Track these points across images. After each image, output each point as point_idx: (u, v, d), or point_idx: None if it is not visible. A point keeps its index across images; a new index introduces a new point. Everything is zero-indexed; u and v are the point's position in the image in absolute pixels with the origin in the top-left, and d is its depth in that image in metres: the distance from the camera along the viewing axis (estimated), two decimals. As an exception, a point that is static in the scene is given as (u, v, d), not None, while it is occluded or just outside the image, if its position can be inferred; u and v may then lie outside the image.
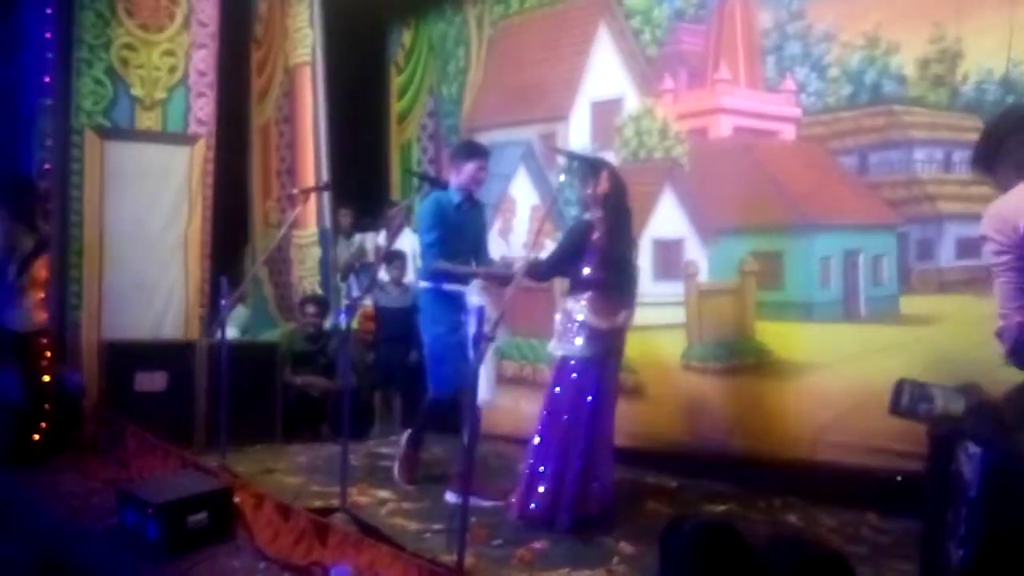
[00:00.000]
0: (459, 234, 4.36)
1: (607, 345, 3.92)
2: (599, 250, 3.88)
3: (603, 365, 3.92)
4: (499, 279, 4.27)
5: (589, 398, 3.87)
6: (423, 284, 4.44)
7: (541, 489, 3.87)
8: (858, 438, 4.09)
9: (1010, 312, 2.14)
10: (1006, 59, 3.74)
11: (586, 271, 3.90)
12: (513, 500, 4.03)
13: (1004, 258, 2.18)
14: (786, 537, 1.88)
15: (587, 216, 3.98)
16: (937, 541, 1.90)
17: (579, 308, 3.88)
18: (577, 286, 3.94)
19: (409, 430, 4.74)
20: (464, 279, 4.29)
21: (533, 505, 3.89)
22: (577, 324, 3.88)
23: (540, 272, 4.09)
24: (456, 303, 4.29)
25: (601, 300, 3.88)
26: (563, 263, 4.00)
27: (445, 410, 4.46)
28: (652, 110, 5.14)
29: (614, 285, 3.92)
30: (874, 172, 4.26)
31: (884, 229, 4.22)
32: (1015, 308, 2.14)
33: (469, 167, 4.39)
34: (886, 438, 3.93)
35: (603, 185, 3.89)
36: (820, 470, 4.26)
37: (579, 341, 3.88)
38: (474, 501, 3.63)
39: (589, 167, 3.99)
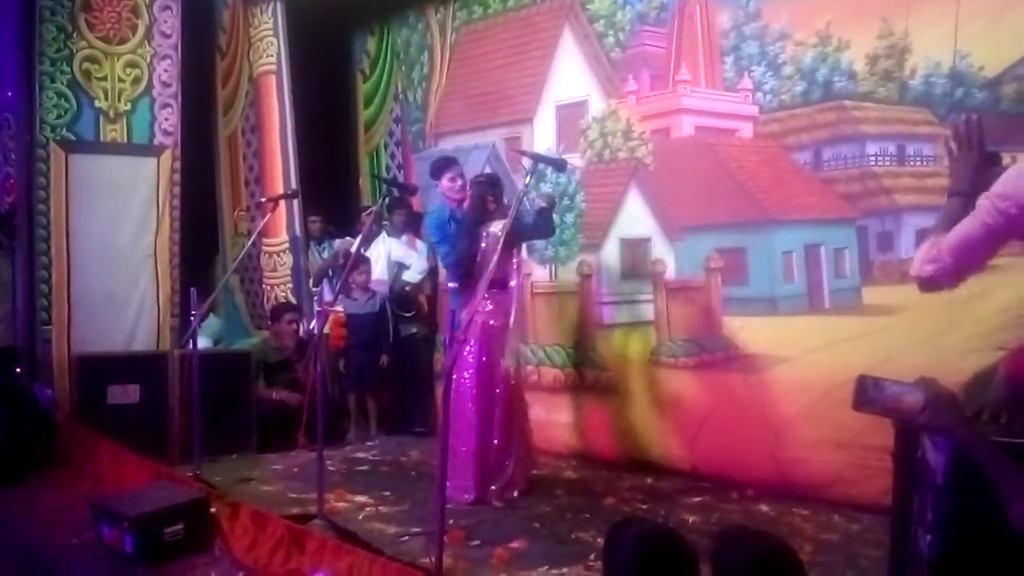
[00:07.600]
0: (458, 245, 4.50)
1: None
2: None
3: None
4: None
5: None
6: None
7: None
8: (825, 430, 4.17)
9: (943, 251, 1.98)
10: (953, 52, 3.82)
11: None
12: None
13: (1003, 204, 1.92)
14: (733, 534, 1.91)
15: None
16: (905, 527, 1.93)
17: None
18: None
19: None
20: None
21: None
22: None
23: None
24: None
25: None
26: None
27: None
28: (616, 111, 5.21)
29: None
30: (828, 167, 4.34)
31: (843, 223, 4.30)
32: (952, 249, 2.00)
33: (443, 183, 4.54)
34: (851, 430, 4.02)
35: None
36: (787, 461, 4.35)
37: None
38: None
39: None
